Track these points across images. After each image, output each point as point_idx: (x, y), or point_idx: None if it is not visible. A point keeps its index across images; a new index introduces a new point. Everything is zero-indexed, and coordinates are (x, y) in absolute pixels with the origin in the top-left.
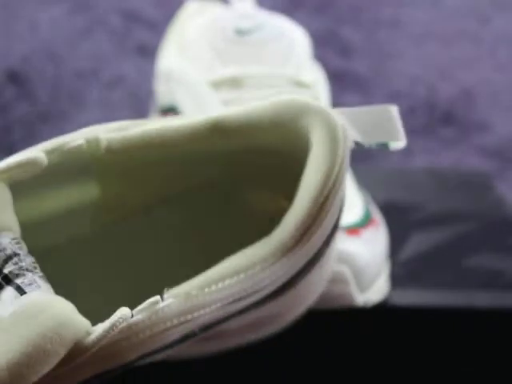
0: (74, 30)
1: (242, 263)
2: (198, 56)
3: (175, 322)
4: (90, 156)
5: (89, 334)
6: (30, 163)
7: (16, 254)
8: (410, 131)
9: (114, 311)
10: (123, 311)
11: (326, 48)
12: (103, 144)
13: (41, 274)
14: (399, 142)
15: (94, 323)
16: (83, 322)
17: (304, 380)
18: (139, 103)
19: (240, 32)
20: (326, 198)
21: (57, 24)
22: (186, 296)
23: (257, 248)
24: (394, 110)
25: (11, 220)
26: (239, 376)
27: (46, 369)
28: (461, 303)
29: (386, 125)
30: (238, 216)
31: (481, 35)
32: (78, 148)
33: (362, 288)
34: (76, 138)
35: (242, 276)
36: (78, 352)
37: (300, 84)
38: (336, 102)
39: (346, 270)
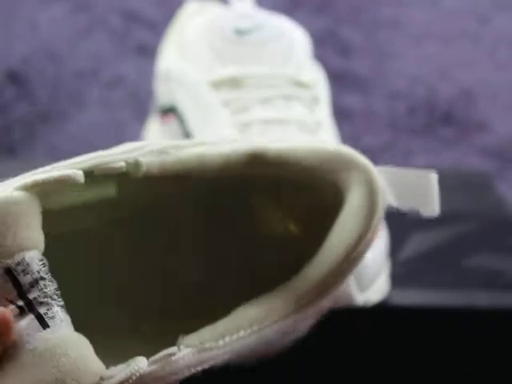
0: (73, 30)
1: (256, 315)
2: (197, 56)
3: (186, 372)
4: (127, 178)
5: (103, 379)
6: (67, 180)
7: (42, 279)
8: (410, 131)
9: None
10: (140, 363)
11: (326, 48)
12: (142, 169)
13: (62, 303)
14: (432, 211)
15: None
16: (99, 366)
17: (304, 380)
18: (139, 103)
19: (240, 32)
20: (352, 261)
21: (57, 24)
22: (200, 348)
23: (271, 299)
24: (433, 178)
25: (38, 236)
26: (239, 375)
27: None
28: (461, 303)
29: (423, 191)
30: (246, 231)
31: (481, 35)
32: (118, 170)
33: (362, 287)
34: (116, 159)
35: (255, 328)
36: None
37: (300, 84)
38: (336, 102)
39: None
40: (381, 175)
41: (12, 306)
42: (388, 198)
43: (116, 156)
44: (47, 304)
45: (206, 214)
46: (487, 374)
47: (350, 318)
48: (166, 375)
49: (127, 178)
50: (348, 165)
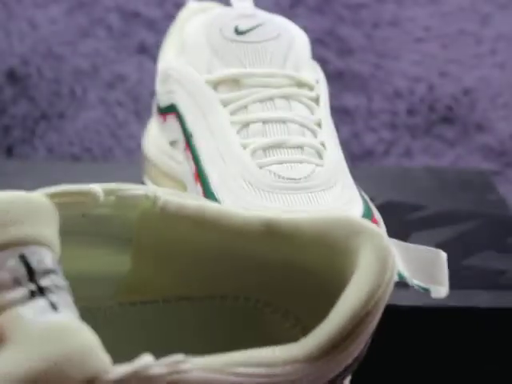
0: (73, 29)
1: (268, 357)
2: (197, 56)
3: None
4: (143, 213)
5: (107, 372)
6: (84, 194)
7: (55, 271)
8: (410, 131)
9: None
10: (148, 360)
11: (326, 48)
12: (160, 202)
13: (73, 298)
14: (441, 290)
15: None
16: (106, 358)
17: None
18: (139, 103)
19: (240, 32)
20: (364, 319)
21: (56, 23)
22: (207, 367)
23: (286, 348)
24: (443, 257)
25: (54, 238)
26: None
27: None
28: (461, 303)
29: (433, 269)
30: (249, 333)
31: (481, 35)
32: (136, 198)
33: None
34: (136, 189)
35: (263, 370)
36: None
37: (300, 84)
38: (336, 102)
39: None
40: (392, 246)
41: (23, 289)
42: (400, 267)
43: (135, 186)
44: (58, 294)
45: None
46: (487, 373)
47: None
48: (174, 382)
49: (146, 212)
50: (357, 230)
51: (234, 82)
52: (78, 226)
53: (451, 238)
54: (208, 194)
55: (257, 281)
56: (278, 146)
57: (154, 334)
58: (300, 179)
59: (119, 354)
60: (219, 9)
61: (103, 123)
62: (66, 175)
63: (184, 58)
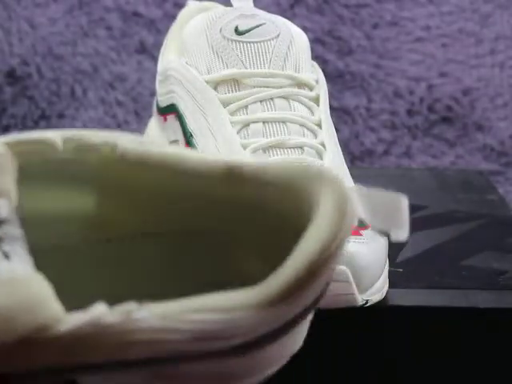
0: (73, 29)
1: (223, 303)
2: (198, 56)
3: (145, 337)
4: (103, 159)
5: (60, 321)
6: (43, 143)
7: (9, 221)
8: (409, 131)
9: None
10: (101, 309)
11: (326, 48)
12: (119, 151)
13: (27, 247)
14: (402, 234)
15: None
16: (58, 308)
17: (303, 379)
18: (139, 103)
19: (240, 32)
20: (321, 265)
21: (56, 23)
22: (161, 315)
23: (241, 294)
24: (404, 201)
25: (10, 186)
26: None
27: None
28: (461, 303)
29: (394, 213)
30: (219, 265)
31: (481, 35)
32: (95, 146)
33: (362, 288)
34: (95, 137)
35: (218, 316)
36: (40, 338)
37: (300, 84)
38: (336, 102)
39: (346, 270)
40: (353, 191)
41: None
42: (360, 212)
43: (96, 134)
44: (11, 244)
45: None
46: (487, 373)
47: (350, 318)
48: (125, 332)
49: (109, 186)
50: (318, 177)
51: (234, 82)
52: (40, 171)
53: (451, 238)
54: None
55: (220, 218)
56: (278, 146)
57: (119, 271)
58: None
59: (83, 293)
60: (219, 9)
61: (103, 123)
62: None
63: (184, 58)
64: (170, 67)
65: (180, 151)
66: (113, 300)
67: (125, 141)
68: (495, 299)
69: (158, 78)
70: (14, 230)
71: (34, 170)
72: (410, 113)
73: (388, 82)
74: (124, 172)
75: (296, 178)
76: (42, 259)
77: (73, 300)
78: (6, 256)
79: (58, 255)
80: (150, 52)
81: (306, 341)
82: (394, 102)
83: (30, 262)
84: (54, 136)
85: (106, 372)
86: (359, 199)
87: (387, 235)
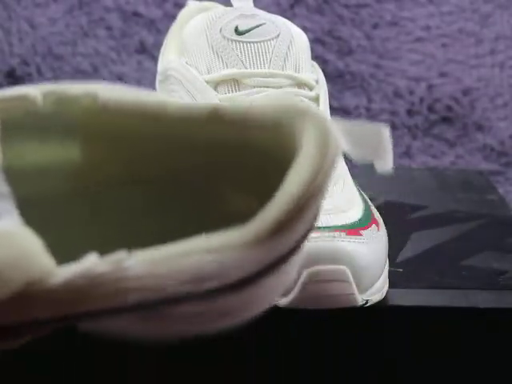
0: (73, 29)
1: (213, 244)
2: (198, 56)
3: (137, 284)
4: (84, 110)
5: (51, 275)
6: (23, 98)
7: None
8: (410, 131)
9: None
10: (92, 259)
11: (326, 48)
12: (101, 101)
13: (14, 203)
14: (386, 164)
15: None
16: (50, 262)
17: (303, 379)
18: None
19: (240, 32)
20: (307, 200)
21: (56, 23)
22: (151, 261)
23: (230, 233)
24: (386, 132)
25: None
26: (239, 374)
27: None
28: (461, 303)
29: (377, 144)
30: (208, 208)
31: (481, 35)
32: (76, 98)
33: (362, 288)
34: (76, 89)
35: (209, 256)
36: (33, 292)
37: (300, 84)
38: (336, 102)
39: (346, 270)
40: (336, 125)
41: None
42: (343, 145)
43: (76, 86)
44: None
45: (166, 172)
46: (487, 373)
47: (350, 318)
48: (117, 280)
49: (94, 135)
50: (301, 113)
51: (235, 82)
52: (22, 126)
53: (451, 238)
54: None
55: (207, 160)
56: None
57: (107, 221)
58: None
59: (73, 245)
60: (219, 9)
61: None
62: None
63: (184, 58)
64: (170, 67)
65: (162, 97)
66: (103, 250)
67: (105, 90)
68: (495, 299)
69: (158, 77)
70: (2, 187)
71: (15, 126)
72: (409, 113)
73: (388, 81)
74: (107, 121)
75: (281, 116)
76: (31, 214)
77: (64, 253)
78: None
79: (46, 209)
80: (150, 52)
81: (306, 341)
82: (394, 101)
83: (19, 218)
84: (34, 91)
85: (99, 319)
86: (342, 132)
87: (372, 166)
